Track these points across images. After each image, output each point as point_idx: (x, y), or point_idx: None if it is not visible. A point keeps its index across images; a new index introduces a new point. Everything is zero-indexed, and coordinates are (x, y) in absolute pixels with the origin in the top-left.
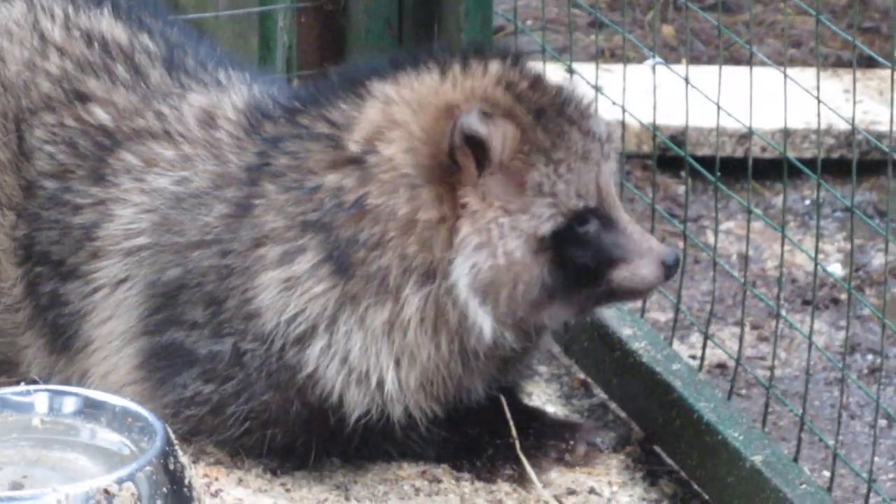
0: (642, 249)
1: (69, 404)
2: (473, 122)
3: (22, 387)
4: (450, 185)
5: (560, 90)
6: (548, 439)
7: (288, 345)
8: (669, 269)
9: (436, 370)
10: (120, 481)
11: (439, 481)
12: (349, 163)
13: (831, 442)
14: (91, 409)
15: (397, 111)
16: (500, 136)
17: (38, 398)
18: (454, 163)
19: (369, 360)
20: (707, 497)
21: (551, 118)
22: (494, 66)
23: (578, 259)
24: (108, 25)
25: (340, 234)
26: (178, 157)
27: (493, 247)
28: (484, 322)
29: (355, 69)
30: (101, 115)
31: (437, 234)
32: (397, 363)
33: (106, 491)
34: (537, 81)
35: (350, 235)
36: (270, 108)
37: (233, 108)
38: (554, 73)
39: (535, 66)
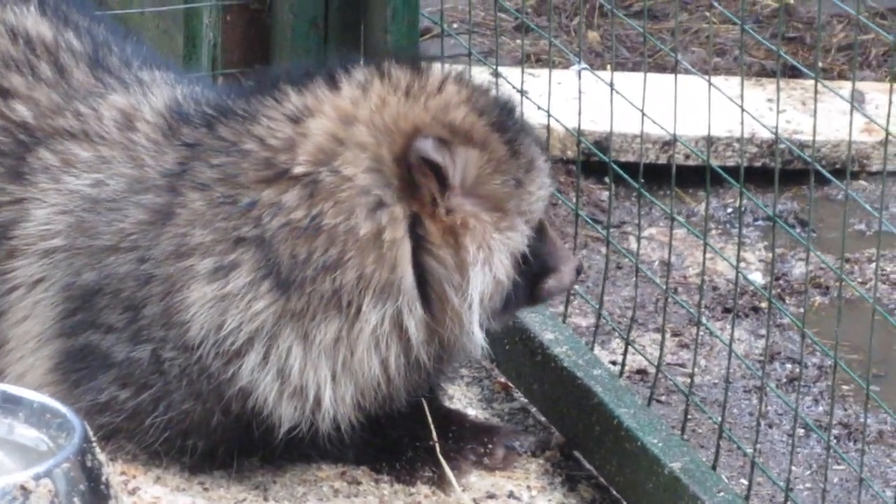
0: (565, 257)
1: None
2: (429, 149)
3: None
4: (420, 203)
5: (506, 101)
6: (467, 442)
7: (217, 357)
8: (579, 274)
9: (375, 386)
10: (37, 477)
11: (359, 483)
12: (289, 179)
13: (749, 450)
14: (8, 405)
15: (356, 132)
16: (460, 163)
17: None
18: (414, 182)
19: (308, 375)
20: (626, 503)
21: (518, 138)
22: (452, 86)
23: (528, 271)
24: (34, 22)
25: (282, 251)
26: (94, 158)
27: (493, 263)
28: (480, 335)
29: (272, 78)
30: (22, 111)
31: (400, 251)
32: (335, 379)
33: (23, 487)
34: (497, 100)
35: (298, 253)
36: (191, 112)
37: (152, 109)
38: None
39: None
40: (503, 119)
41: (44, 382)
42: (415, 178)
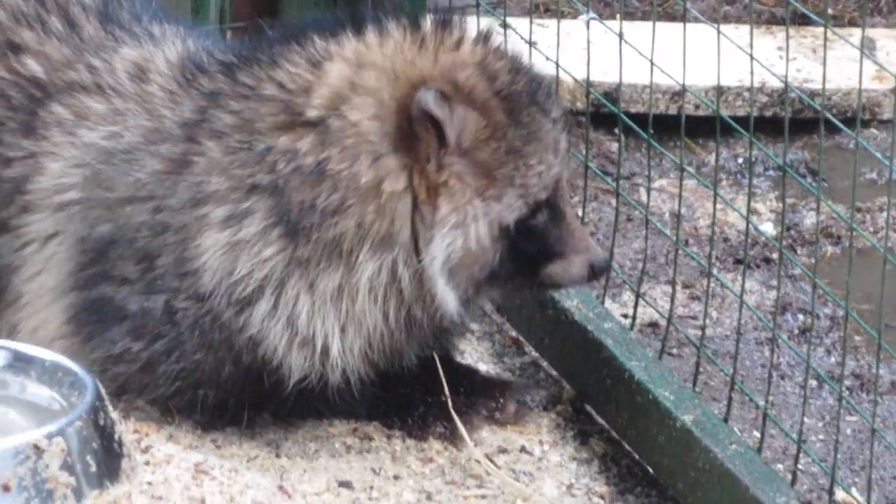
0: (579, 247)
1: None
2: (430, 101)
3: None
4: (415, 157)
5: (532, 76)
6: (479, 397)
7: (229, 306)
8: (595, 274)
9: (380, 338)
10: (50, 436)
11: (370, 439)
12: (304, 125)
13: (761, 402)
14: (21, 364)
15: (367, 77)
16: (457, 122)
17: None
18: (415, 134)
19: (315, 324)
20: (637, 457)
21: (524, 108)
22: (469, 45)
23: (525, 249)
24: None
25: (293, 198)
26: (108, 111)
27: (467, 228)
28: (449, 299)
29: (299, 26)
30: (33, 66)
31: (400, 204)
32: (343, 329)
33: (35, 446)
34: (514, 67)
35: (305, 200)
36: (206, 62)
37: (166, 61)
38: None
39: (503, 43)
40: (513, 86)
41: (57, 335)
42: (415, 131)
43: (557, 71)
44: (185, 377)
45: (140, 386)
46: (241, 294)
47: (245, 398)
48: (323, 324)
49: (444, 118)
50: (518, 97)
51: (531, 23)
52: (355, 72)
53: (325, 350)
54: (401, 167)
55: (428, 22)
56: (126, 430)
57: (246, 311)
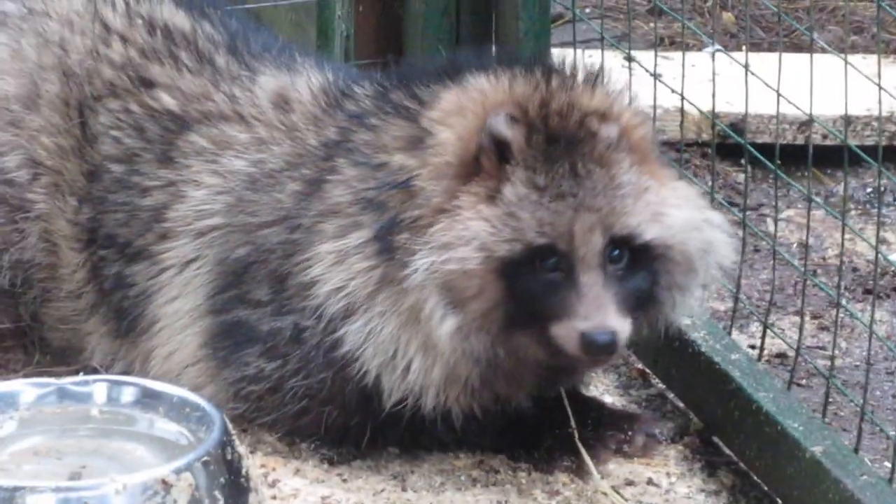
0: (581, 313)
1: (127, 394)
2: (500, 124)
3: (81, 377)
4: (464, 180)
5: (587, 129)
6: (606, 430)
7: (335, 320)
8: (587, 346)
9: (466, 370)
10: (178, 471)
11: (496, 472)
12: (417, 142)
13: (892, 432)
14: (149, 399)
15: (466, 100)
16: (519, 140)
17: (97, 388)
18: (478, 163)
19: (398, 344)
20: (766, 488)
21: (559, 150)
22: (557, 81)
23: (530, 296)
24: (170, 13)
25: (388, 214)
26: (252, 139)
27: (452, 250)
28: (444, 322)
29: (455, 59)
30: (166, 100)
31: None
32: (423, 353)
33: (164, 481)
34: (580, 113)
35: (395, 216)
36: (352, 88)
37: (308, 88)
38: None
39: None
40: (561, 130)
41: (192, 360)
42: (479, 157)
43: (683, 103)
44: (312, 395)
45: (270, 405)
46: (338, 306)
47: (367, 418)
48: (406, 344)
49: (512, 137)
50: (557, 137)
51: (656, 55)
52: (463, 93)
53: (406, 370)
54: (452, 188)
55: (530, 66)
56: (253, 464)
57: (344, 324)
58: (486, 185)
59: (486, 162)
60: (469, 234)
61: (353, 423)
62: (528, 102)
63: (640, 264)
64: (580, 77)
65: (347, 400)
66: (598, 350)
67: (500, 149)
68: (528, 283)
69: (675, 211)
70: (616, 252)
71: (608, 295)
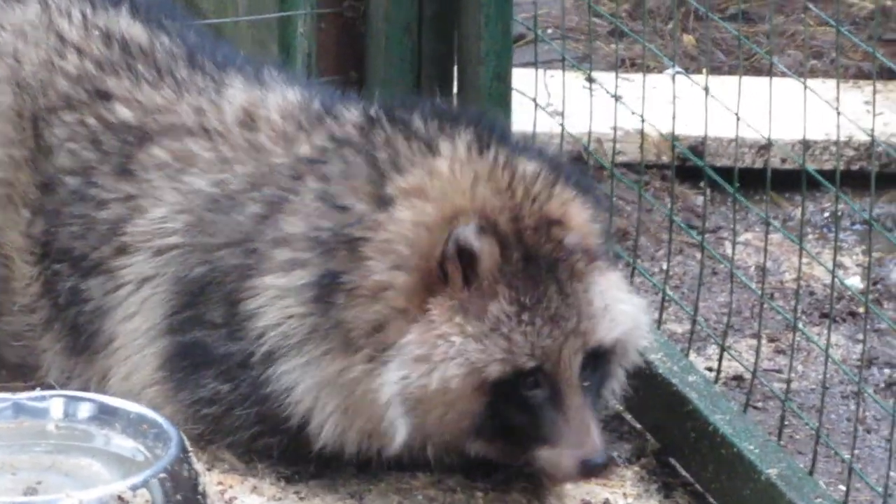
0: (573, 440)
1: (84, 410)
2: (470, 235)
3: (37, 392)
4: (428, 286)
5: (563, 247)
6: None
7: (267, 356)
8: (587, 471)
9: (382, 435)
10: (134, 488)
11: (454, 491)
12: (379, 202)
13: (847, 456)
14: (106, 415)
15: (434, 187)
16: (487, 255)
17: (54, 404)
18: (442, 271)
19: (319, 399)
20: None
21: (538, 267)
22: (521, 192)
23: (513, 419)
24: (127, 25)
25: (333, 266)
26: (215, 157)
27: (431, 366)
28: (398, 432)
29: (448, 105)
30: (124, 112)
31: (398, 324)
32: (343, 412)
33: (120, 497)
34: (547, 230)
35: (338, 271)
36: (337, 108)
37: (279, 105)
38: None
39: (563, 208)
40: (539, 248)
41: (150, 382)
42: (444, 266)
43: (643, 125)
44: (261, 422)
45: (225, 429)
46: (268, 346)
47: (315, 449)
48: (325, 400)
49: (481, 251)
50: (537, 257)
51: (617, 77)
52: (430, 179)
53: (320, 427)
54: (409, 289)
55: (493, 153)
56: (210, 481)
57: (273, 364)
58: (460, 297)
59: (452, 271)
60: (453, 351)
61: (304, 451)
62: (497, 214)
63: (595, 367)
64: (539, 179)
65: (287, 433)
66: (598, 471)
67: (468, 259)
68: (511, 402)
69: (621, 306)
70: (587, 366)
71: (590, 413)
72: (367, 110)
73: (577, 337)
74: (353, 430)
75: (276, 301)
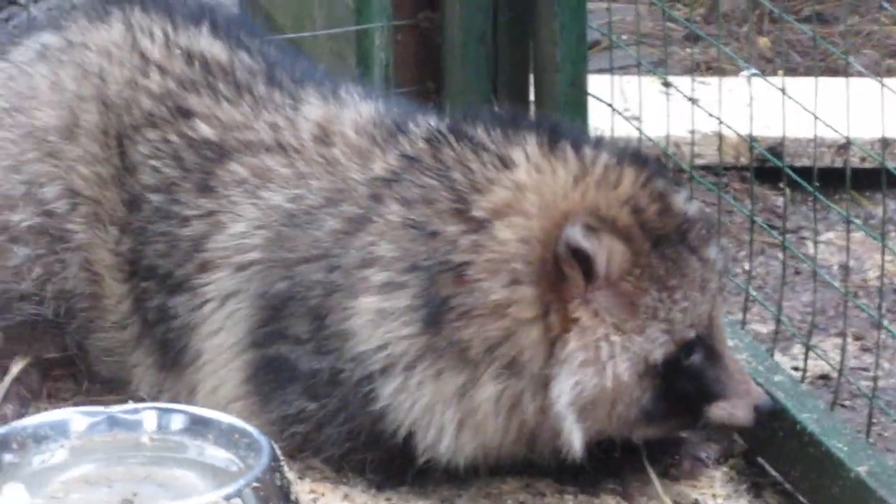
0: (740, 390)
1: (177, 422)
2: (577, 235)
3: (130, 405)
4: (557, 293)
5: (685, 216)
6: (653, 454)
7: (372, 375)
8: (761, 415)
9: (497, 447)
10: (228, 497)
11: (543, 495)
12: (471, 222)
13: None
14: (198, 427)
15: (527, 200)
16: (605, 253)
17: (147, 416)
18: (560, 272)
19: (434, 416)
20: None
21: (671, 245)
22: (627, 182)
23: (680, 389)
24: (207, 44)
25: (439, 290)
26: (292, 172)
27: (601, 365)
28: (576, 438)
29: (516, 117)
30: (204, 129)
31: (528, 333)
32: (459, 427)
33: None
34: (665, 207)
35: (446, 295)
36: (408, 125)
37: (354, 120)
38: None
39: (665, 184)
40: (661, 223)
41: (235, 396)
42: (561, 269)
43: (720, 127)
44: (353, 439)
45: (315, 446)
46: (376, 366)
47: (409, 464)
48: (441, 416)
49: (594, 251)
50: (667, 235)
51: (693, 80)
52: (521, 192)
53: (437, 441)
54: (535, 298)
55: (599, 160)
56: (302, 489)
57: (380, 381)
58: (596, 297)
59: (571, 272)
60: (617, 349)
61: (395, 466)
62: (616, 210)
63: None
64: (628, 163)
65: (387, 447)
66: (771, 413)
67: (582, 258)
68: (676, 375)
69: None
70: None
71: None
72: (435, 126)
73: (720, 294)
74: (472, 444)
75: (378, 322)
